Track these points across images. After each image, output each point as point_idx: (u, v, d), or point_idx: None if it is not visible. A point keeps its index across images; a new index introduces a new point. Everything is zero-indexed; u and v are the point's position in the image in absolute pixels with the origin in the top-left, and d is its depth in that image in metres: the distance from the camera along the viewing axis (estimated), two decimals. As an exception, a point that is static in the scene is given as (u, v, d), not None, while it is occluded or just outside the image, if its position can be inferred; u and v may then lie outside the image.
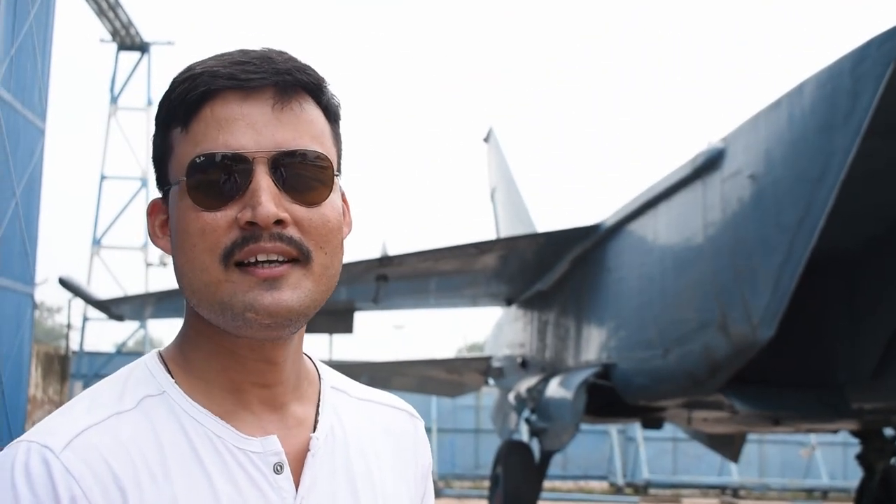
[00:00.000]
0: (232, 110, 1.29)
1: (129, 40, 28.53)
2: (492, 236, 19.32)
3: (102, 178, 28.80)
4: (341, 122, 1.43)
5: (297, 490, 1.33)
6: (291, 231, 1.28)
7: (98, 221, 28.56)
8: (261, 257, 1.27)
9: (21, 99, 13.50)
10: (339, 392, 1.50)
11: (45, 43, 14.46)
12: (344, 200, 1.42)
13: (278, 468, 1.33)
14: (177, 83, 1.33)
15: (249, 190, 1.27)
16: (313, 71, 1.35)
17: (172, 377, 1.35)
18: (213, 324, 1.32)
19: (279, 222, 1.27)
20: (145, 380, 1.34)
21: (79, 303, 27.56)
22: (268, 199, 1.26)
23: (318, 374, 1.49)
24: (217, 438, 1.31)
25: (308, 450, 1.37)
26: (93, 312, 26.39)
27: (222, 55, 1.34)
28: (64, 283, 15.49)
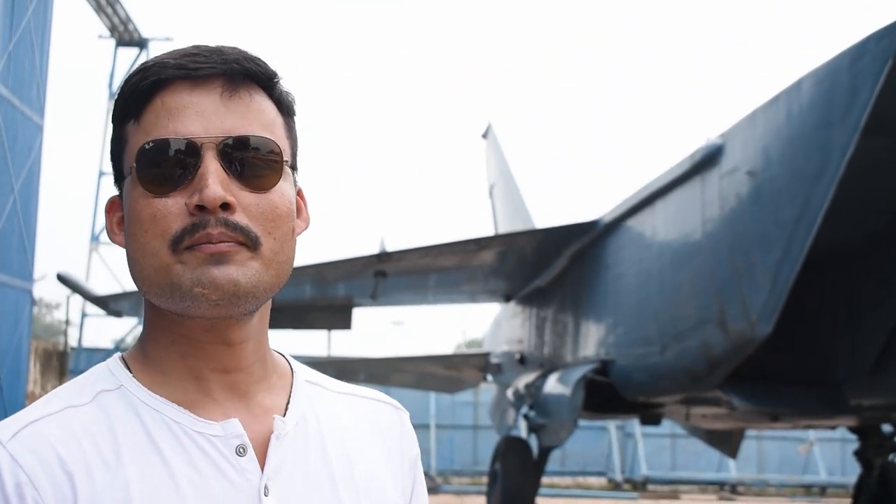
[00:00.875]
0: (181, 99, 1.31)
1: (127, 36, 28.49)
2: (490, 232, 19.32)
3: (101, 174, 28.77)
4: (296, 118, 1.44)
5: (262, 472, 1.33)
6: (238, 217, 1.29)
7: (96, 218, 28.54)
8: (212, 235, 1.29)
9: (19, 95, 13.49)
10: (315, 385, 1.50)
11: (43, 38, 14.45)
12: (300, 196, 1.44)
13: (241, 450, 1.32)
14: (129, 78, 1.35)
15: (198, 175, 1.29)
16: (264, 63, 1.38)
17: (131, 373, 1.37)
18: (167, 310, 1.33)
19: (226, 207, 1.28)
20: (103, 376, 1.37)
21: (77, 299, 27.55)
22: (215, 181, 1.28)
23: (291, 369, 1.49)
24: (174, 423, 1.32)
25: (272, 431, 1.36)
26: (91, 308, 26.38)
27: (175, 50, 1.37)
28: (62, 279, 15.49)
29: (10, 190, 13.22)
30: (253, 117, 1.34)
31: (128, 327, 28.53)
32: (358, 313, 14.74)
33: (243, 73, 1.34)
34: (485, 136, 21.29)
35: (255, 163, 1.32)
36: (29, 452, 1.24)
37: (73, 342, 28.23)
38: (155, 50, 29.16)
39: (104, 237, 28.26)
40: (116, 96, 1.38)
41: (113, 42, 28.83)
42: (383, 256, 11.95)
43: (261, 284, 1.31)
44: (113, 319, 24.05)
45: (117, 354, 1.41)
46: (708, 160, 8.74)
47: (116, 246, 1.41)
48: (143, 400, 1.33)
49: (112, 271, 28.53)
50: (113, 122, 1.39)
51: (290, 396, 1.43)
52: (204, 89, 1.32)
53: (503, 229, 18.76)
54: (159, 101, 1.32)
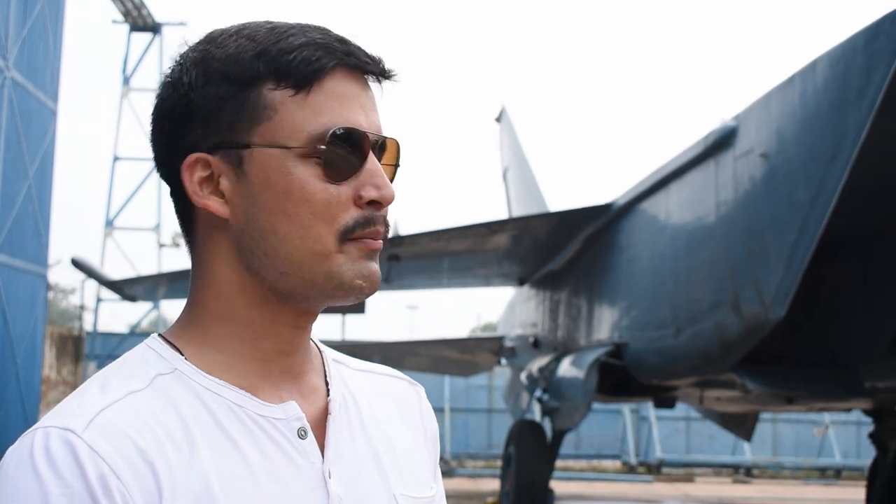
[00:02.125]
0: (349, 88, 1.33)
1: (141, 21, 28.52)
2: (504, 216, 19.31)
3: (115, 159, 28.84)
4: None
5: (322, 454, 1.34)
6: (386, 214, 1.35)
7: (111, 203, 28.63)
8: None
9: (33, 80, 13.52)
10: (340, 364, 1.50)
11: (56, 24, 14.47)
12: None
13: (302, 433, 1.32)
14: (288, 45, 1.30)
15: (366, 170, 1.31)
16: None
17: (182, 355, 1.33)
18: (290, 292, 1.32)
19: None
20: (153, 360, 1.32)
21: (92, 284, 27.67)
22: (387, 180, 1.32)
23: (318, 348, 1.49)
24: (238, 408, 1.30)
25: (329, 413, 1.38)
26: (106, 293, 26.49)
27: (307, 27, 1.34)
28: (77, 264, 15.56)
29: (24, 175, 13.26)
30: (381, 118, 1.38)
31: (143, 312, 28.64)
32: (372, 297, 14.73)
33: (381, 74, 1.37)
34: (498, 119, 21.25)
35: (390, 164, 1.38)
36: (106, 442, 1.19)
37: (88, 327, 28.38)
38: (169, 35, 29.19)
39: (118, 222, 28.40)
40: (242, 53, 1.31)
41: (127, 27, 28.86)
42: (396, 240, 11.95)
43: None
44: (128, 304, 24.14)
45: (155, 336, 1.36)
46: (722, 142, 8.71)
47: (204, 208, 1.33)
48: (201, 384, 1.30)
49: (126, 256, 28.70)
50: (228, 77, 1.31)
51: (326, 376, 1.44)
52: (361, 82, 1.34)
53: (517, 213, 18.73)
54: (329, 84, 1.31)
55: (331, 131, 1.29)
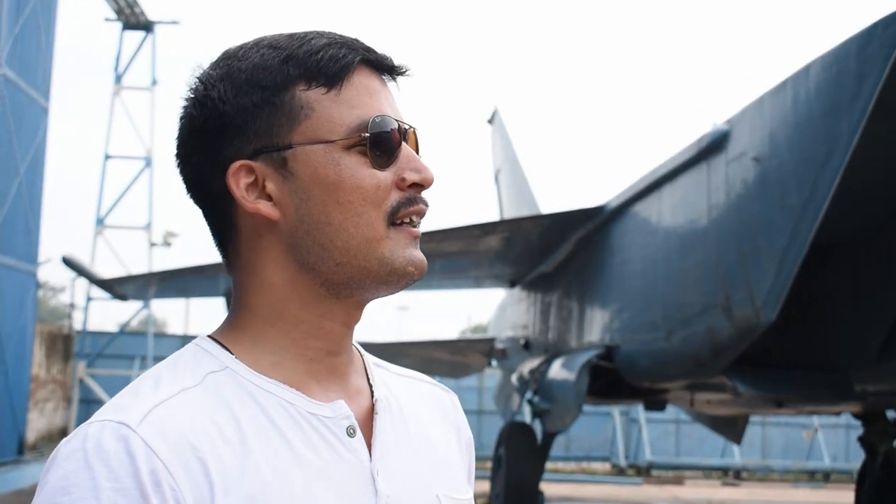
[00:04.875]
0: (375, 82, 1.40)
1: (133, 19, 28.43)
2: (496, 218, 19.31)
3: (106, 157, 28.75)
4: None
5: (370, 453, 1.35)
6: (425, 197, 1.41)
7: (102, 201, 28.52)
8: (415, 218, 1.38)
9: (25, 77, 13.49)
10: (380, 368, 1.53)
11: (49, 21, 14.44)
12: None
13: (351, 431, 1.34)
14: (312, 48, 1.36)
15: (403, 156, 1.38)
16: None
17: (232, 354, 1.35)
18: (345, 283, 1.36)
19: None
20: (204, 358, 1.34)
21: (82, 282, 27.57)
22: (425, 164, 1.39)
23: (359, 352, 1.51)
24: (289, 405, 1.31)
25: (375, 413, 1.40)
26: (96, 292, 26.37)
27: (322, 32, 1.40)
28: (67, 262, 15.51)
29: (15, 173, 13.23)
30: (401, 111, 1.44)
31: (133, 311, 28.57)
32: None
33: (393, 71, 1.43)
34: (491, 121, 21.26)
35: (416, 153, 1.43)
36: (160, 438, 1.20)
37: (77, 325, 28.28)
38: (161, 34, 29.11)
39: (109, 221, 28.31)
40: (271, 59, 1.36)
41: (119, 25, 28.77)
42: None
43: None
44: (118, 303, 24.07)
45: (204, 335, 1.39)
46: (714, 146, 8.72)
47: (254, 213, 1.35)
48: (253, 381, 1.32)
49: (117, 254, 28.63)
50: (258, 84, 1.35)
51: (368, 378, 1.46)
52: (381, 79, 1.41)
53: (508, 215, 18.73)
54: (357, 79, 1.37)
55: (371, 120, 1.35)
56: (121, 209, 29.84)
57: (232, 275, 1.42)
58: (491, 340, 16.95)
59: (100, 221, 28.15)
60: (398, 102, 1.43)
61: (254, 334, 1.37)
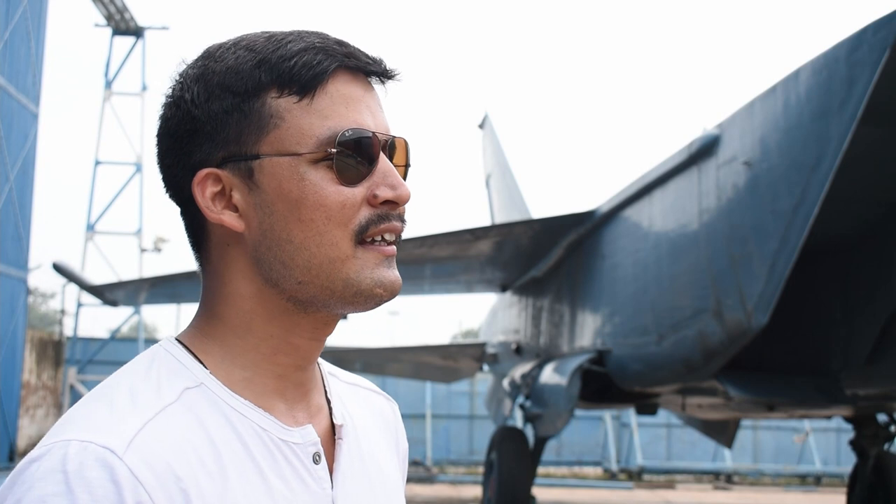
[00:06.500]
0: (353, 90, 1.31)
1: (123, 25, 28.40)
2: (487, 222, 19.31)
3: (97, 163, 28.71)
4: None
5: (331, 477, 1.34)
6: (403, 213, 1.33)
7: (92, 207, 28.47)
8: (387, 237, 1.31)
9: (15, 83, 13.47)
10: (333, 377, 1.50)
11: (39, 27, 14.42)
12: None
13: (317, 458, 1.33)
14: (286, 53, 1.29)
15: (378, 170, 1.30)
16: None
17: (205, 367, 1.30)
18: (310, 302, 1.30)
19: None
20: (178, 370, 1.29)
21: (73, 288, 27.54)
22: (401, 179, 1.31)
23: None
24: (263, 431, 1.28)
25: (338, 437, 1.38)
26: (87, 298, 26.33)
27: (304, 33, 1.33)
28: (58, 268, 15.47)
29: (5, 178, 13.20)
30: (387, 119, 1.37)
31: (124, 317, 28.52)
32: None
33: (383, 74, 1.36)
34: (481, 126, 21.27)
35: (402, 164, 1.36)
36: (146, 467, 1.16)
37: (68, 332, 28.22)
38: (151, 39, 29.06)
39: (100, 226, 28.25)
40: (243, 64, 1.30)
41: (109, 31, 28.74)
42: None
43: None
44: (109, 309, 24.02)
45: (171, 340, 1.33)
46: (705, 150, 8.74)
47: (219, 223, 1.31)
48: (228, 403, 1.28)
49: (107, 260, 28.52)
50: (230, 90, 1.29)
51: (326, 394, 1.43)
52: (366, 85, 1.34)
53: (499, 219, 18.74)
54: (332, 87, 1.30)
55: (340, 134, 1.27)
56: (111, 215, 29.82)
57: (203, 279, 1.37)
58: (482, 345, 16.94)
59: (90, 227, 28.09)
60: (384, 110, 1.36)
61: (224, 345, 1.32)
